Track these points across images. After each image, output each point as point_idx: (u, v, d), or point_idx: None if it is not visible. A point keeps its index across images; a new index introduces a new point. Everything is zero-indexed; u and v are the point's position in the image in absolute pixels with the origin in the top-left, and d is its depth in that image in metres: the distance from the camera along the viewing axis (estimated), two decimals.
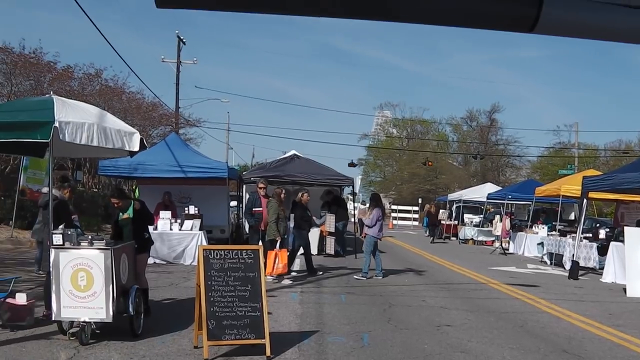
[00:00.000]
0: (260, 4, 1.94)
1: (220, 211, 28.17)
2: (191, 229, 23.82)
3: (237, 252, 10.88)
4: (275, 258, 19.09)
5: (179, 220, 23.92)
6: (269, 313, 11.33)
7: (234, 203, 34.43)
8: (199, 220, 24.46)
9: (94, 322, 10.82)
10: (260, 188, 20.83)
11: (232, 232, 29.31)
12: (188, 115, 59.57)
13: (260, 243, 20.03)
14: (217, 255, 10.70)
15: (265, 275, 19.17)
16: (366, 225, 21.47)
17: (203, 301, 10.27)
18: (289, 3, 1.92)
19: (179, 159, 26.11)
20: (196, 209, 25.31)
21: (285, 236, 20.19)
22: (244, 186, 32.31)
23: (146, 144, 14.11)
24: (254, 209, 20.54)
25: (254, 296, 10.57)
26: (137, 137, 12.93)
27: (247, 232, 22.34)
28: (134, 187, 29.66)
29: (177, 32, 52.25)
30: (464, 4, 1.85)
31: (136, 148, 13.09)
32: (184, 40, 53.24)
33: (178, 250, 23.69)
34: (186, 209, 25.31)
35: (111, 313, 10.72)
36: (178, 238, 23.66)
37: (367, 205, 21.86)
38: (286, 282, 19.49)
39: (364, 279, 20.80)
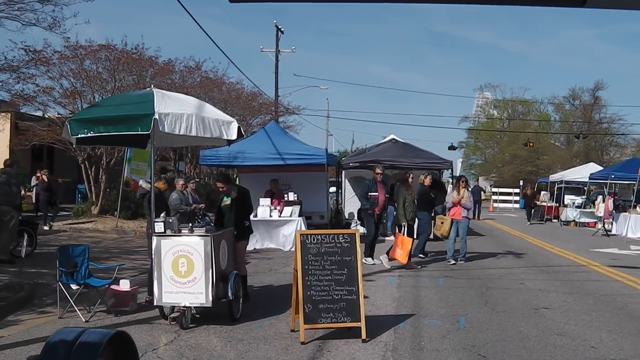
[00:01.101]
0: None
1: (320, 197, 28.41)
2: (290, 216, 24.11)
3: (334, 237, 11.04)
4: (399, 243, 19.30)
5: (278, 207, 24.24)
6: (365, 297, 11.49)
7: (333, 189, 34.62)
8: (299, 206, 24.72)
9: (194, 307, 11.16)
10: (378, 174, 20.94)
11: (331, 218, 29.52)
12: (287, 103, 60.03)
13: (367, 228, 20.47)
14: (314, 240, 10.88)
15: (387, 256, 19.56)
16: (465, 209, 21.15)
17: (300, 285, 10.47)
18: None
19: (278, 147, 26.41)
20: (295, 195, 25.58)
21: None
22: (343, 172, 32.47)
23: (243, 133, 14.36)
24: (370, 194, 20.68)
25: (350, 280, 10.72)
26: (234, 125, 13.18)
27: (360, 216, 22.46)
28: (235, 176, 30.10)
29: (275, 21, 52.67)
30: None
31: (234, 136, 13.34)
32: (282, 29, 53.65)
33: (278, 237, 24.02)
34: (286, 195, 25.59)
35: (210, 298, 11.03)
36: (278, 224, 23.98)
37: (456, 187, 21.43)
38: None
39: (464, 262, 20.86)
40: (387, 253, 19.83)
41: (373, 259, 20.39)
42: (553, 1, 1.98)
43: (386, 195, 20.97)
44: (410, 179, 20.59)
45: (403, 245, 19.19)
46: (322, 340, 10.45)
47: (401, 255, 19.19)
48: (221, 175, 14.94)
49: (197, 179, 35.24)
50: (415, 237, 20.53)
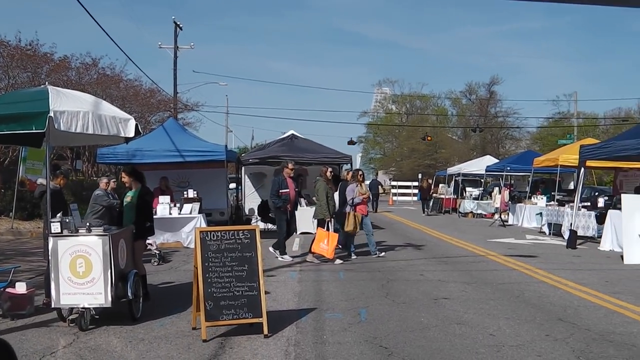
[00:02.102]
0: None
1: (219, 194, 28.36)
2: (190, 213, 23.97)
3: (234, 233, 10.99)
4: (325, 239, 19.29)
5: (178, 205, 24.07)
6: (267, 292, 11.50)
7: (232, 185, 34.57)
8: (198, 203, 24.60)
9: (93, 308, 10.97)
10: (291, 169, 20.89)
11: (231, 214, 29.47)
12: (186, 100, 59.70)
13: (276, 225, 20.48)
14: (213, 237, 10.81)
15: (311, 253, 19.49)
16: (349, 205, 21.05)
17: (200, 283, 10.40)
18: None
19: (177, 144, 26.24)
20: (195, 192, 25.45)
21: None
22: (243, 168, 32.45)
23: (141, 130, 14.20)
24: (281, 191, 20.66)
25: (251, 276, 10.69)
26: (132, 123, 13.04)
27: (264, 212, 22.35)
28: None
29: (173, 17, 52.10)
30: None
31: (131, 134, 13.19)
32: (181, 25, 53.15)
33: (178, 234, 23.87)
34: (185, 192, 25.44)
35: (110, 298, 10.87)
36: (177, 222, 23.82)
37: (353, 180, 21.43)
38: (338, 261, 19.67)
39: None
40: (310, 250, 19.83)
41: (283, 255, 20.38)
42: None
43: (296, 190, 21.02)
44: (329, 173, 20.63)
45: (330, 241, 19.28)
46: (224, 337, 10.39)
47: (328, 251, 19.27)
48: (129, 167, 14.63)
49: (94, 177, 34.79)
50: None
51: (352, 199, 20.77)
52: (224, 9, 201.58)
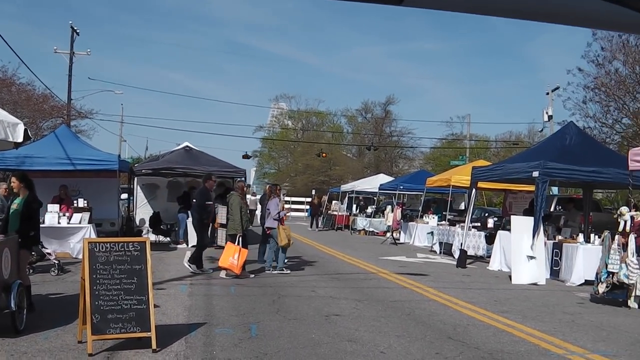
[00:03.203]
0: None
1: (111, 204, 27.85)
2: (80, 223, 23.45)
3: (124, 245, 10.75)
4: (235, 254, 19.02)
5: (67, 214, 23.53)
6: (156, 306, 11.26)
7: (124, 196, 34.09)
8: (88, 213, 24.09)
9: None
10: (214, 182, 20.77)
11: (122, 225, 28.98)
12: (80, 108, 58.57)
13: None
14: (102, 248, 10.55)
15: (220, 267, 19.21)
16: (274, 219, 21.02)
17: (87, 295, 10.13)
18: None
19: (69, 152, 25.65)
20: (85, 202, 24.93)
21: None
22: (135, 178, 32.02)
23: (31, 135, 13.83)
24: (207, 202, 20.44)
25: (140, 289, 10.47)
26: (20, 127, 12.67)
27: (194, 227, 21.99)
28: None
29: (70, 22, 51.30)
30: None
31: (20, 139, 12.82)
32: (78, 31, 52.23)
33: (66, 244, 23.32)
34: (75, 202, 24.89)
35: None
36: (67, 231, 23.29)
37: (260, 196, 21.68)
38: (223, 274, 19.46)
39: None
40: (224, 268, 19.48)
41: (201, 269, 20.27)
42: None
43: (207, 203, 20.86)
44: (245, 188, 20.56)
45: (240, 256, 18.99)
46: (111, 352, 10.13)
47: (237, 266, 19.00)
48: (20, 173, 14.18)
49: None
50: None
51: (278, 213, 20.83)
52: (122, 18, 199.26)
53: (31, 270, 18.50)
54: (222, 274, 19.49)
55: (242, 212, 19.76)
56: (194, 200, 21.30)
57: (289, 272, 20.98)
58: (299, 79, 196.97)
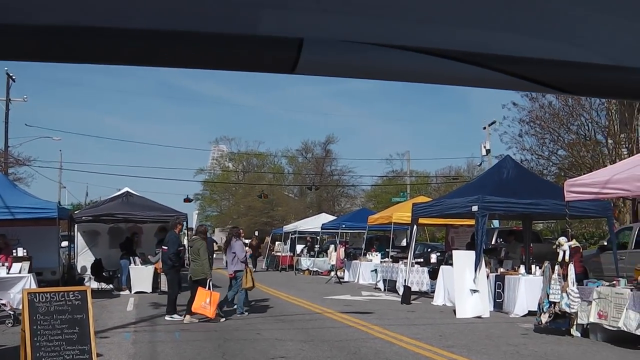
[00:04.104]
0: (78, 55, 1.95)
1: (51, 252, 27.43)
2: (20, 272, 23.07)
3: (64, 294, 10.66)
4: (207, 298, 18.88)
5: (6, 264, 23.15)
6: (99, 355, 11.14)
7: (65, 243, 33.70)
8: (28, 262, 23.73)
9: None
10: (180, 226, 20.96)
11: (63, 273, 28.62)
12: (17, 155, 57.87)
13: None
14: (42, 299, 10.44)
15: (191, 313, 19.06)
16: (241, 261, 21.03)
17: (28, 347, 10.00)
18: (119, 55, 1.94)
19: (6, 200, 25.30)
20: (25, 251, 24.57)
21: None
22: (76, 226, 31.70)
23: None
24: (179, 248, 20.40)
25: (82, 338, 10.36)
26: None
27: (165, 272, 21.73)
28: None
29: (6, 69, 50.62)
30: (231, 50, 1.91)
31: None
32: (14, 77, 51.74)
33: (6, 295, 22.92)
34: (14, 251, 24.52)
35: None
36: (7, 281, 22.90)
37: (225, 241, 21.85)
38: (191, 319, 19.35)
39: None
40: (188, 311, 19.43)
41: (173, 315, 20.05)
42: (263, 67, 1.98)
43: (179, 249, 20.82)
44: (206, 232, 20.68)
45: (213, 300, 18.94)
46: None
47: (210, 311, 18.90)
48: None
49: None
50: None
51: (245, 255, 21.05)
52: (58, 64, 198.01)
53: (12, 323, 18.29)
54: (186, 319, 19.38)
55: (209, 256, 19.85)
56: (165, 248, 21.10)
57: (247, 314, 20.94)
58: (237, 120, 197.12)
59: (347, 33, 1.84)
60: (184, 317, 19.52)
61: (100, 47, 1.82)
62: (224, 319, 19.68)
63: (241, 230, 22.75)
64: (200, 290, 19.24)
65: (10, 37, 1.78)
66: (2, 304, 18.35)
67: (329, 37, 1.84)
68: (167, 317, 19.93)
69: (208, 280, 19.52)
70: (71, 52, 1.89)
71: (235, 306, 21.11)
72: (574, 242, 17.78)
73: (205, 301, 18.93)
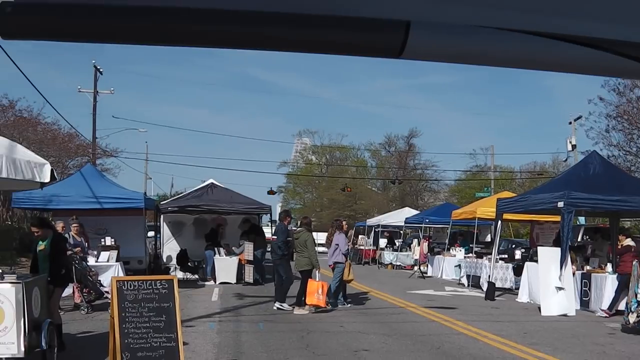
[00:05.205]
0: (114, 35, 1.95)
1: (138, 242, 27.88)
2: (108, 261, 23.48)
3: (151, 283, 10.77)
4: (319, 289, 19.29)
5: (95, 252, 23.56)
6: (185, 343, 11.25)
7: (151, 233, 34.17)
8: (116, 251, 24.13)
9: (6, 358, 10.61)
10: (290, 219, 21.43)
11: (149, 263, 29.04)
12: (105, 146, 58.88)
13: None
14: (130, 287, 10.57)
15: (306, 305, 19.43)
16: (343, 254, 21.29)
17: (117, 333, 10.13)
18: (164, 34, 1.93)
19: (95, 190, 25.83)
20: (113, 240, 24.98)
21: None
22: (162, 216, 32.12)
23: (56, 175, 13.95)
24: (288, 239, 20.71)
25: (169, 326, 10.47)
26: (47, 167, 12.77)
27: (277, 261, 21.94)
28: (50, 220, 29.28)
29: (93, 61, 51.49)
30: (336, 34, 1.88)
31: (47, 179, 12.92)
32: (101, 70, 52.52)
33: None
34: (102, 240, 24.94)
35: (23, 348, 10.52)
36: (94, 270, 23.32)
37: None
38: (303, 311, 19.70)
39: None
40: (301, 302, 19.85)
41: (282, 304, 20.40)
42: (369, 51, 1.94)
43: (288, 239, 21.09)
44: (345, 226, 21.06)
45: (324, 290, 19.35)
46: None
47: (323, 301, 19.38)
48: (36, 219, 14.45)
49: (8, 222, 34.08)
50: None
51: (347, 248, 21.39)
52: (142, 57, 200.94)
53: (86, 310, 18.71)
54: (296, 310, 19.78)
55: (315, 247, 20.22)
56: (274, 237, 21.42)
57: (349, 305, 21.34)
58: (320, 113, 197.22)
59: (455, 16, 1.81)
60: (294, 308, 19.86)
61: (203, 29, 1.82)
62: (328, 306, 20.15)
63: (344, 223, 22.82)
64: (311, 281, 19.53)
65: (101, 18, 1.79)
66: (106, 292, 18.67)
67: (436, 20, 1.81)
68: (276, 305, 20.22)
69: (315, 271, 19.68)
70: (169, 35, 1.90)
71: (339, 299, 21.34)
72: None
73: (317, 292, 19.21)
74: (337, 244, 21.09)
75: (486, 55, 1.99)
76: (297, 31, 1.83)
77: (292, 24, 1.79)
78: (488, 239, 40.76)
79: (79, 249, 19.88)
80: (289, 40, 1.89)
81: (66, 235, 18.79)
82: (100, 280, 19.95)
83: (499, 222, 26.41)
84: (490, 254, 27.55)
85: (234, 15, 1.77)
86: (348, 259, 21.47)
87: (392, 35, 1.80)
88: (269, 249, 29.84)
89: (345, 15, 1.78)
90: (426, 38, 1.82)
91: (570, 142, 52.59)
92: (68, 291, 18.03)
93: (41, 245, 13.24)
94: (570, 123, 53.95)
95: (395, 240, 49.75)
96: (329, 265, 21.44)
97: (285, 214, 22.51)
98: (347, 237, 22.64)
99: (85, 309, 18.96)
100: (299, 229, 21.09)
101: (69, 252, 18.10)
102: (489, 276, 25.57)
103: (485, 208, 31.09)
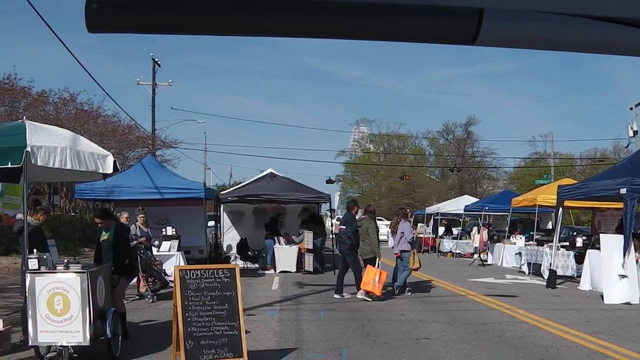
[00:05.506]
0: (197, 26, 1.97)
1: (198, 231, 28.12)
2: (169, 250, 23.72)
3: (214, 272, 10.89)
4: (376, 276, 19.40)
5: (156, 242, 23.81)
6: (246, 331, 11.33)
7: (211, 223, 34.42)
8: (177, 241, 24.38)
9: (71, 346, 10.77)
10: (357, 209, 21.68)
11: (210, 252, 29.29)
12: (164, 137, 59.47)
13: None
14: (193, 275, 10.69)
15: (360, 290, 19.69)
16: (409, 242, 21.34)
17: (180, 322, 10.25)
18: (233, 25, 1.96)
19: (155, 181, 26.13)
20: (174, 230, 25.24)
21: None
22: (222, 206, 32.33)
23: (119, 166, 14.12)
24: (357, 228, 20.88)
25: (231, 315, 10.57)
26: (110, 159, 12.95)
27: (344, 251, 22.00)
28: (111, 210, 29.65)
29: (151, 54, 51.99)
30: (409, 21, 1.89)
31: (110, 170, 13.11)
32: (159, 62, 52.94)
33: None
34: (164, 230, 25.20)
35: (88, 336, 10.67)
36: (159, 260, 23.56)
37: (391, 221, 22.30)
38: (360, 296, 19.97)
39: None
40: (359, 288, 20.09)
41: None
42: (443, 38, 1.94)
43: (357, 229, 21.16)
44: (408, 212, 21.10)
45: (381, 279, 19.42)
46: None
47: (378, 289, 19.45)
48: (99, 210, 14.68)
49: (72, 213, 34.60)
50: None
51: (413, 237, 21.54)
52: (198, 47, 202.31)
53: (151, 300, 18.98)
54: (359, 294, 19.95)
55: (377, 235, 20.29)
56: (343, 227, 21.45)
57: (410, 293, 21.40)
58: (377, 102, 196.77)
59: (529, 2, 1.80)
60: (358, 292, 20.07)
61: (284, 18, 1.84)
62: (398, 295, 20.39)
63: (408, 210, 22.80)
64: (369, 268, 19.62)
65: (185, 10, 1.81)
66: (171, 280, 18.89)
67: (510, 6, 1.81)
68: (358, 295, 20.24)
69: (377, 259, 19.73)
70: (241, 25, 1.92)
71: (396, 283, 21.34)
72: None
73: (374, 279, 19.28)
74: (403, 232, 21.07)
75: (558, 41, 1.98)
76: (371, 20, 1.84)
77: (367, 12, 1.80)
78: (549, 226, 40.42)
79: (144, 238, 20.13)
80: (364, 28, 1.90)
81: (132, 226, 19.12)
82: (165, 270, 20.17)
83: (560, 209, 26.13)
84: (551, 241, 27.31)
85: (312, 4, 1.78)
86: (414, 247, 21.42)
87: (466, 22, 1.81)
88: (329, 238, 29.95)
89: (420, 3, 1.78)
90: (499, 24, 1.82)
91: (632, 128, 51.80)
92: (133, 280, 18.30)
93: (104, 236, 13.44)
94: (631, 109, 53.14)
95: (453, 229, 49.52)
96: (394, 254, 21.42)
97: (353, 203, 22.55)
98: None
99: (151, 298, 19.21)
100: (362, 216, 21.09)
101: (133, 242, 18.41)
102: (550, 264, 25.35)
103: (545, 195, 30.79)
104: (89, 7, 1.82)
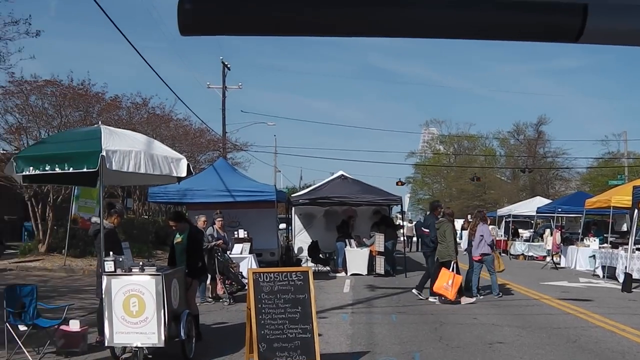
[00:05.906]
0: (279, 28, 1.98)
1: (270, 234, 28.26)
2: (241, 253, 23.85)
3: (287, 275, 10.94)
4: (449, 280, 19.32)
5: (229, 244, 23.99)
6: (319, 334, 11.35)
7: (282, 225, 34.55)
8: (249, 243, 24.52)
9: (146, 347, 10.93)
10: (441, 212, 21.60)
11: (282, 255, 29.40)
12: (235, 140, 59.87)
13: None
14: (266, 278, 10.76)
15: (433, 293, 19.76)
16: (488, 244, 21.29)
17: (254, 324, 10.32)
18: (302, 25, 1.96)
19: (227, 184, 26.33)
20: (245, 232, 25.40)
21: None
22: (293, 208, 32.44)
23: (192, 170, 14.26)
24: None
25: (304, 318, 10.61)
26: (184, 162, 13.08)
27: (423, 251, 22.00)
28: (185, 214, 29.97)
29: (221, 58, 52.16)
30: (510, 18, 1.87)
31: (183, 174, 13.25)
32: (229, 65, 53.27)
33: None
34: (236, 232, 25.35)
35: (163, 338, 10.81)
36: (236, 262, 23.71)
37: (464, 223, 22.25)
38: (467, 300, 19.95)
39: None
40: (431, 291, 20.15)
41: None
42: (545, 37, 1.92)
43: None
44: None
45: (455, 282, 19.27)
46: None
47: (451, 292, 19.28)
48: (173, 213, 14.87)
49: (145, 216, 35.03)
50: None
51: (492, 239, 21.53)
52: (265, 51, 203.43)
53: (228, 302, 19.18)
54: (432, 298, 19.99)
55: (455, 238, 20.27)
56: (426, 230, 21.49)
57: (501, 295, 21.30)
58: (448, 103, 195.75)
59: None
60: (436, 299, 20.00)
61: (370, 17, 1.84)
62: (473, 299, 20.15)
63: (484, 211, 22.69)
64: (443, 271, 19.48)
65: (275, 11, 1.83)
66: (247, 283, 19.06)
67: (615, 1, 1.78)
68: (430, 298, 20.31)
69: (453, 263, 19.62)
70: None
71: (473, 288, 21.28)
72: None
73: (447, 282, 19.16)
74: (482, 235, 20.95)
75: None
76: (472, 18, 1.83)
77: (469, 10, 1.79)
78: (624, 228, 39.73)
79: (221, 241, 20.28)
80: (461, 26, 1.89)
81: (209, 229, 19.33)
82: (241, 272, 20.32)
83: (636, 210, 25.69)
84: (626, 244, 26.85)
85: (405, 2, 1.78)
86: (494, 249, 21.30)
87: (571, 19, 1.78)
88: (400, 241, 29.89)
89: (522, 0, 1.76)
90: (605, 20, 1.79)
91: None
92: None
93: (178, 239, 13.60)
94: None
95: (521, 231, 48.99)
96: (473, 258, 21.27)
97: (437, 205, 22.48)
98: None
99: (228, 300, 19.37)
100: (440, 219, 20.96)
101: (211, 244, 18.60)
102: (626, 267, 24.92)
103: (620, 196, 30.26)
104: (182, 7, 1.84)
